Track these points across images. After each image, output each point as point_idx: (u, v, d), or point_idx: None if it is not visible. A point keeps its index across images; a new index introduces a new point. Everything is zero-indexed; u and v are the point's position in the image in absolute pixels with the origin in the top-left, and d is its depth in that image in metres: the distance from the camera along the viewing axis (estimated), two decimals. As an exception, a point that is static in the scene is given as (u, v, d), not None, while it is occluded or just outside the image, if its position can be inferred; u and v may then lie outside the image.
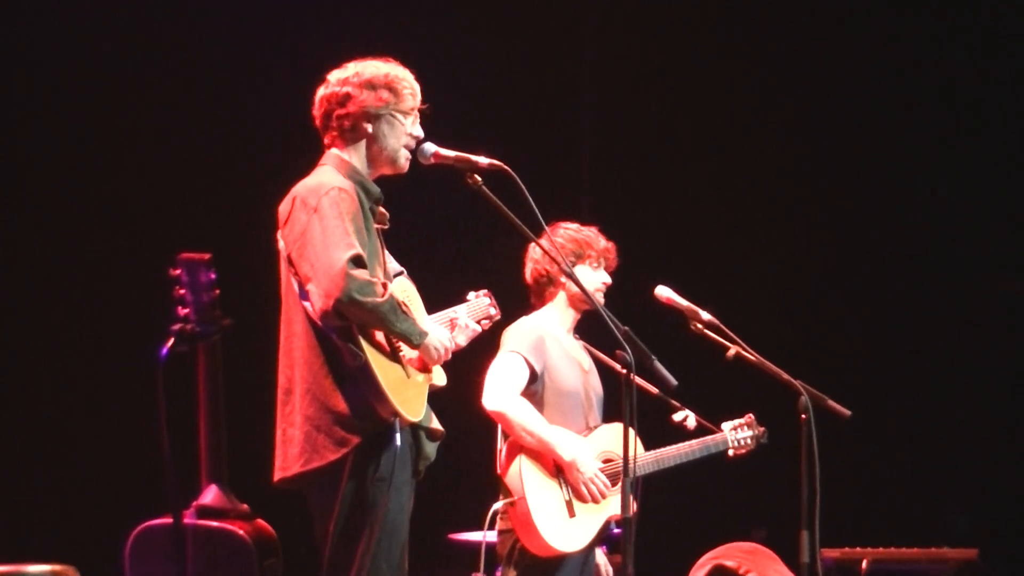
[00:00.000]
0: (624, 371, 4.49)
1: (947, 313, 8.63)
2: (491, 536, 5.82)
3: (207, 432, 4.61)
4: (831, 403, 5.28)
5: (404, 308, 4.44)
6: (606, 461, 5.59)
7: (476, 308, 4.92)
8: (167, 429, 4.08)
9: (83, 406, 7.67)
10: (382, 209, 4.67)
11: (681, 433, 5.97)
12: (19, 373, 7.65)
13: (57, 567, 5.12)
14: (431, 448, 4.62)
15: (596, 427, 5.67)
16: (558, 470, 5.49)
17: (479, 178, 4.56)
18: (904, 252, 8.71)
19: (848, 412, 5.30)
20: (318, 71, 4.71)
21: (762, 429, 6.08)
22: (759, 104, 8.71)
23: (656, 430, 5.76)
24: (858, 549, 7.21)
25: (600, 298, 5.70)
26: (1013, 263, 8.58)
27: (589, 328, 5.83)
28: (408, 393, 4.46)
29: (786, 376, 5.24)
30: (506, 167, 4.51)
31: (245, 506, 4.69)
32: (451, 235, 8.06)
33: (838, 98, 8.69)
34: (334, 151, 4.64)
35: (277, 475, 4.54)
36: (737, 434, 6.02)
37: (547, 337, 5.61)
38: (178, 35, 7.84)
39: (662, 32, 8.68)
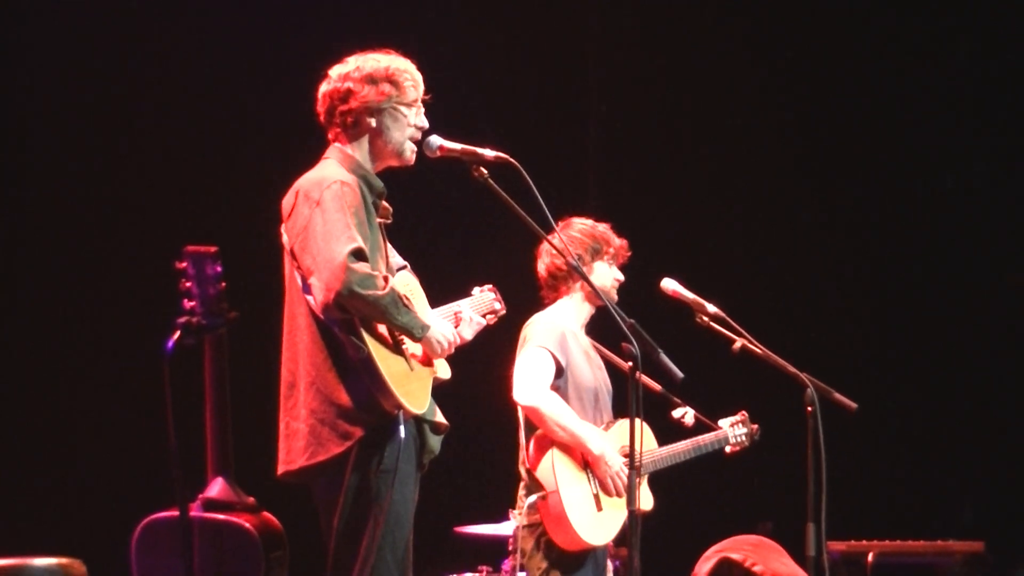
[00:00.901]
0: (630, 364, 4.48)
1: (953, 307, 8.62)
2: (505, 529, 5.83)
3: (213, 425, 4.61)
4: (837, 396, 5.28)
5: (405, 301, 4.43)
6: (626, 456, 5.60)
7: (480, 303, 4.90)
8: (173, 422, 4.08)
9: (89, 399, 7.68)
10: (385, 203, 4.67)
11: (680, 429, 5.98)
12: (26, 366, 7.66)
13: (63, 560, 5.12)
14: (435, 441, 4.62)
15: (613, 422, 5.68)
16: (586, 464, 5.50)
17: (485, 171, 4.56)
18: (910, 245, 8.71)
19: (854, 405, 5.30)
20: (323, 65, 4.71)
21: (755, 426, 6.11)
22: (764, 97, 8.70)
23: (655, 426, 5.77)
24: (864, 542, 7.21)
25: (614, 295, 5.72)
26: (1018, 257, 8.58)
27: (594, 321, 5.83)
28: (411, 386, 4.46)
29: (792, 369, 5.24)
30: (512, 160, 4.50)
31: (251, 499, 4.68)
32: (455, 230, 8.06)
33: (843, 92, 8.69)
34: (337, 145, 4.64)
35: (281, 469, 4.54)
36: (735, 431, 6.06)
37: (567, 333, 5.62)
38: (185, 29, 7.85)
39: (668, 25, 8.67)
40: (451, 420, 4.68)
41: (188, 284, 4.34)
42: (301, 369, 4.48)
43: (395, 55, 4.68)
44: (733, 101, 8.71)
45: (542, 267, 5.79)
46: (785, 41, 8.65)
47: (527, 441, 5.54)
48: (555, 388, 5.53)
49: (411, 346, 4.53)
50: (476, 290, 4.98)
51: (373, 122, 4.61)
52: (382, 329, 4.44)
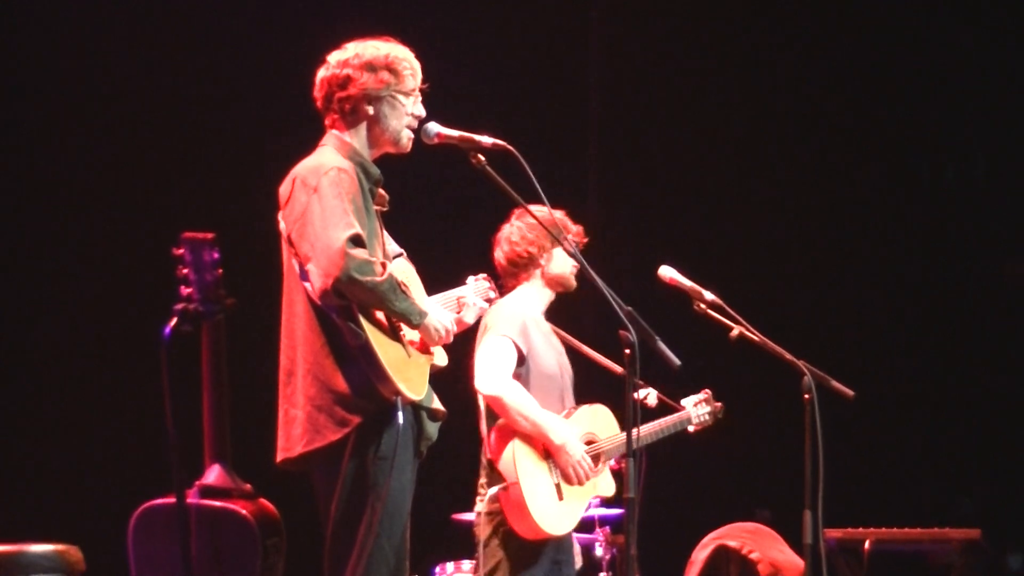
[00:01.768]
0: (627, 352, 4.47)
1: (953, 296, 8.63)
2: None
3: (210, 412, 4.59)
4: (835, 383, 5.27)
5: (403, 288, 4.43)
6: (588, 443, 5.60)
7: (476, 291, 4.93)
8: (171, 409, 4.07)
9: (87, 386, 7.68)
10: (382, 191, 4.66)
11: (643, 412, 5.95)
12: (23, 353, 7.66)
13: (60, 547, 5.12)
14: (433, 428, 4.62)
15: (575, 408, 5.66)
16: (547, 454, 5.48)
17: (483, 158, 4.55)
18: (908, 233, 8.71)
19: (852, 392, 5.29)
20: (321, 51, 4.70)
21: (719, 405, 6.10)
22: (764, 86, 8.70)
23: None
24: (861, 529, 7.21)
25: (573, 281, 5.72)
26: (1019, 246, 8.58)
27: (593, 308, 5.83)
28: (410, 372, 4.46)
29: (789, 356, 5.23)
30: (510, 147, 4.50)
31: (248, 486, 4.67)
32: (451, 218, 8.06)
33: (844, 81, 8.69)
34: (335, 132, 4.63)
35: (280, 456, 4.55)
36: (698, 410, 6.04)
37: (528, 320, 5.61)
38: (183, 17, 7.84)
39: (668, 14, 8.67)
40: (448, 407, 4.68)
41: (185, 271, 4.32)
42: (299, 356, 4.48)
43: (394, 42, 4.67)
44: (731, 89, 8.70)
45: (500, 255, 5.76)
46: (784, 32, 8.64)
47: (488, 431, 5.52)
48: (517, 376, 5.50)
49: (409, 333, 4.53)
50: (471, 279, 4.99)
51: (371, 110, 4.60)
52: (380, 316, 4.43)
